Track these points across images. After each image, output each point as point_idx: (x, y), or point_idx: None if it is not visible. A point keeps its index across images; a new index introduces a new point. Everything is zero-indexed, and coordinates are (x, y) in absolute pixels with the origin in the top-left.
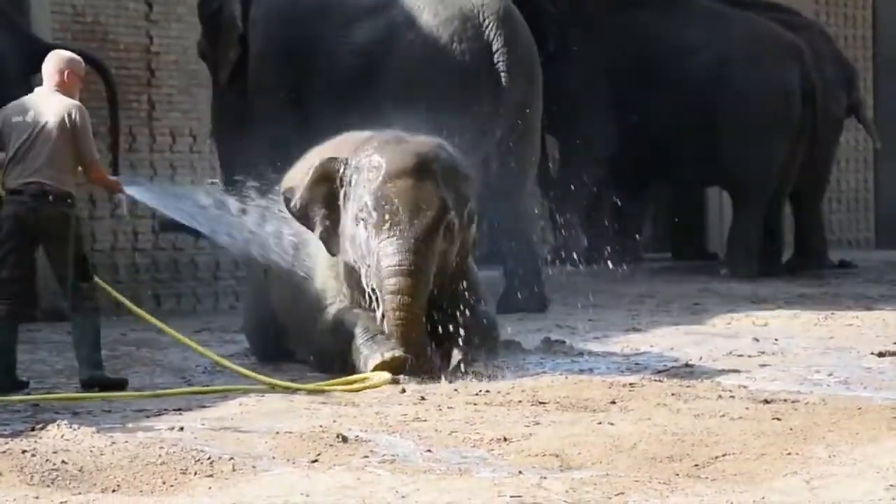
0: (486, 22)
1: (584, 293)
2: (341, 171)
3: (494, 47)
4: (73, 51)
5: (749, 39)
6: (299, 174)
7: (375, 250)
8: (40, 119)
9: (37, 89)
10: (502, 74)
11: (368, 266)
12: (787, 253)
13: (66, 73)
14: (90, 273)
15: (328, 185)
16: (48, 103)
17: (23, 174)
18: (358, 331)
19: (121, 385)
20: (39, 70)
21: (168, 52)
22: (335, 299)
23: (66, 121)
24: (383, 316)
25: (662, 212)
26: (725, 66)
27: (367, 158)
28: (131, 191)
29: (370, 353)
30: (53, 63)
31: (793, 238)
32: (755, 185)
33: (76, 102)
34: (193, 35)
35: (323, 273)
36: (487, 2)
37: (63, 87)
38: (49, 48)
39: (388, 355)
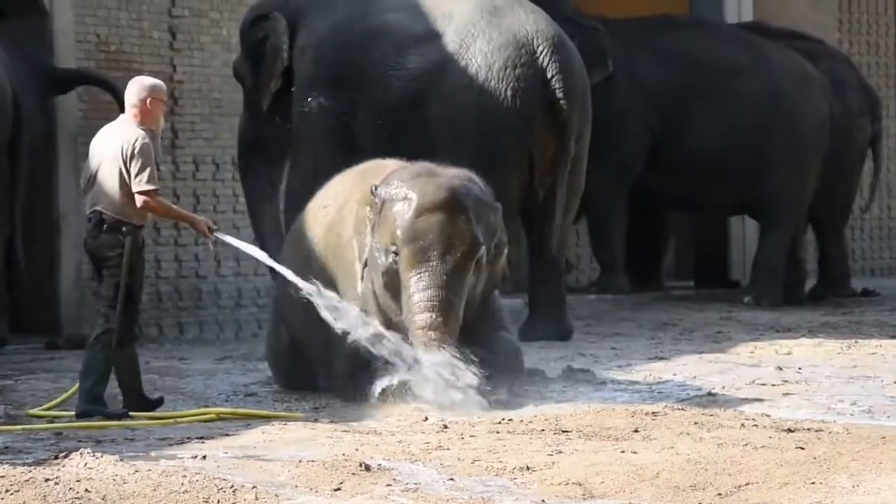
0: (541, 48)
1: (607, 322)
2: (370, 200)
3: (549, 74)
4: (80, 72)
5: (790, 68)
6: (329, 200)
7: (406, 284)
8: (107, 147)
9: (120, 117)
10: (559, 101)
11: (390, 298)
12: (811, 281)
13: (147, 101)
14: (132, 307)
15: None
16: (117, 132)
17: (90, 202)
18: (365, 357)
19: (156, 405)
20: (58, 94)
21: (191, 81)
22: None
23: (123, 149)
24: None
25: (685, 239)
26: (773, 91)
27: (397, 190)
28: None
29: (382, 378)
30: (134, 91)
31: (816, 266)
32: (787, 214)
33: (140, 132)
34: (216, 64)
35: (345, 300)
36: (542, 28)
37: (143, 115)
38: (64, 73)
39: (396, 381)
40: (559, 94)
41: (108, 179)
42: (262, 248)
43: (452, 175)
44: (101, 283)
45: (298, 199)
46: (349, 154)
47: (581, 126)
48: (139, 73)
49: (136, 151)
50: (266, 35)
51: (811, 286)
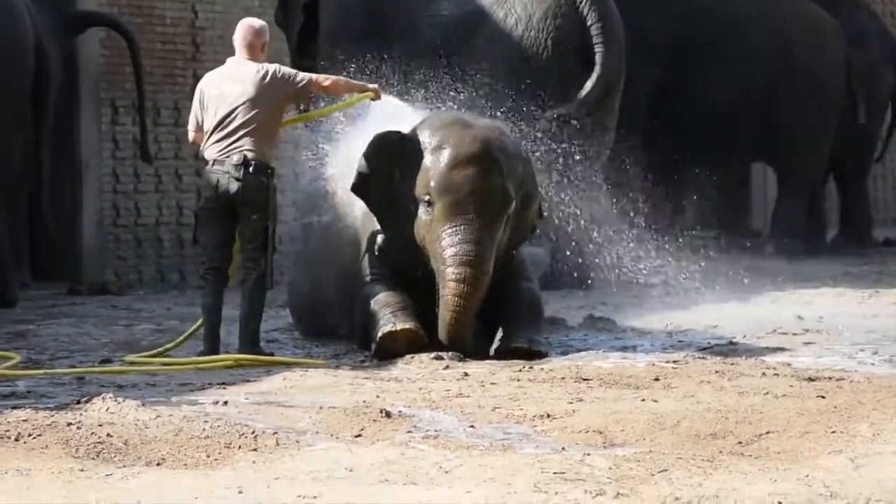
0: (584, 2)
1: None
2: (399, 146)
3: (589, 22)
4: (98, 14)
5: (801, 16)
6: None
7: (440, 236)
8: (238, 89)
9: (229, 60)
10: (597, 49)
11: (421, 246)
12: (832, 231)
13: (255, 45)
14: (274, 247)
15: (386, 160)
16: (243, 72)
17: (223, 144)
18: (380, 303)
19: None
20: (75, 35)
21: (213, 27)
22: (375, 275)
23: (264, 83)
24: (437, 296)
25: (707, 189)
26: (787, 40)
27: (429, 138)
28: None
29: (384, 324)
30: (244, 32)
31: (837, 216)
32: (805, 163)
33: (266, 64)
34: (238, 10)
35: (366, 249)
36: None
37: (255, 56)
38: (83, 15)
39: (399, 326)
40: (598, 41)
41: (252, 121)
42: None
43: (484, 126)
44: (242, 226)
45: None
46: None
47: (617, 75)
48: (161, 19)
49: (279, 68)
50: None
51: (832, 236)
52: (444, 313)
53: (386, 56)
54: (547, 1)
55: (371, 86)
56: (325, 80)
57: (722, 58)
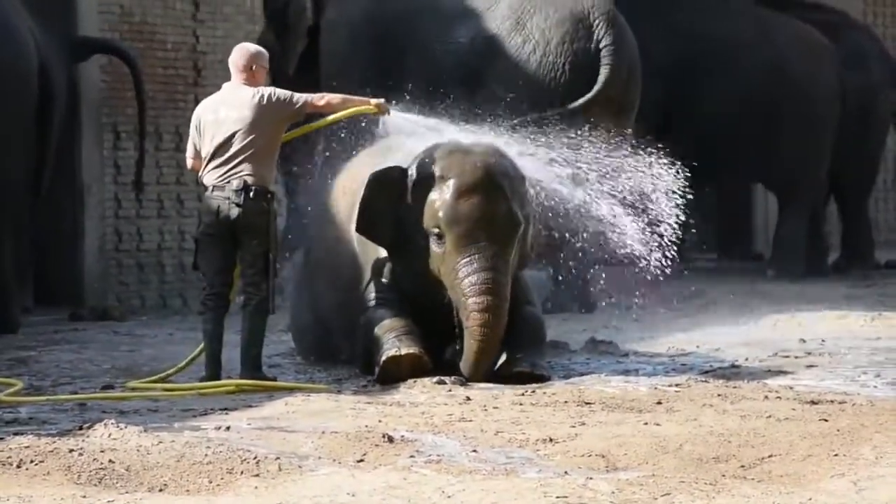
0: (597, 23)
1: (630, 294)
2: (400, 180)
3: (602, 45)
4: (100, 41)
5: (798, 39)
6: (356, 184)
7: (455, 267)
8: (235, 114)
9: (225, 85)
10: (602, 68)
11: (434, 278)
12: (834, 254)
13: (254, 67)
14: (275, 272)
15: (388, 197)
16: (240, 97)
17: (223, 170)
18: (384, 327)
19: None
20: (79, 62)
21: (214, 52)
22: (378, 299)
23: (261, 107)
24: (460, 329)
25: (708, 212)
26: (783, 64)
27: (431, 170)
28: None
29: (389, 348)
30: (240, 57)
31: (839, 239)
32: (803, 185)
33: (262, 88)
34: (240, 34)
35: (370, 274)
36: (597, 2)
37: (252, 81)
38: (86, 41)
39: (403, 351)
40: (606, 62)
41: (251, 145)
42: None
43: (483, 151)
44: (242, 251)
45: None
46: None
47: (627, 98)
48: (162, 44)
49: (275, 94)
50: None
51: (834, 259)
52: (471, 343)
53: (399, 82)
54: (565, 25)
55: (374, 100)
56: (321, 98)
57: (722, 80)
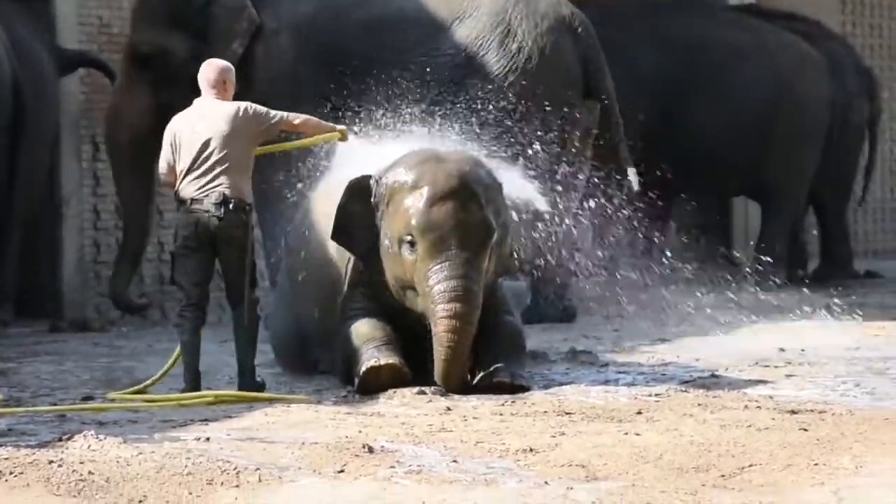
0: (580, 30)
1: (610, 304)
2: (375, 189)
3: (588, 56)
4: (81, 54)
5: (788, 50)
6: (333, 193)
7: (427, 274)
8: (213, 128)
9: (196, 100)
10: (599, 84)
11: (407, 286)
12: (813, 263)
13: (225, 82)
14: (256, 282)
15: (363, 205)
16: (215, 111)
17: (201, 183)
18: (364, 337)
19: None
20: (65, 74)
21: None
22: (357, 309)
23: (237, 120)
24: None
25: (688, 221)
26: (774, 75)
27: (405, 178)
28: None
29: (368, 358)
30: (212, 72)
31: (818, 248)
32: (790, 197)
33: (238, 102)
34: None
35: (348, 285)
36: (573, 10)
37: (223, 95)
38: (72, 54)
39: (383, 361)
40: (597, 75)
41: (229, 158)
42: None
43: (458, 159)
44: (225, 264)
45: (279, 192)
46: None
47: (608, 107)
48: None
49: (252, 108)
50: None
51: (814, 268)
52: (439, 350)
53: (358, 97)
54: (555, 33)
55: (339, 126)
56: (296, 118)
57: (713, 91)
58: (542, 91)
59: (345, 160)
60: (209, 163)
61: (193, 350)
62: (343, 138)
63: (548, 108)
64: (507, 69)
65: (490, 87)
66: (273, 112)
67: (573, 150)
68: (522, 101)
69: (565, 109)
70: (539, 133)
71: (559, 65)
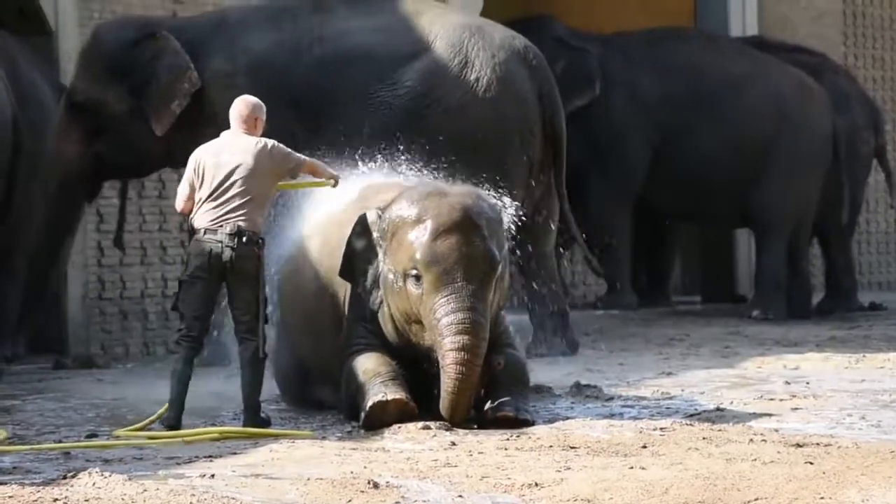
0: (534, 62)
1: (614, 337)
2: (378, 223)
3: (543, 89)
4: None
5: (790, 81)
6: (333, 227)
7: (433, 308)
8: (236, 159)
9: (224, 133)
10: (553, 117)
11: (413, 321)
12: (818, 296)
13: (256, 120)
14: (266, 318)
15: (368, 240)
16: (242, 144)
17: (217, 213)
18: (370, 373)
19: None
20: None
21: None
22: (363, 344)
23: (263, 155)
24: (436, 370)
25: (691, 254)
26: (775, 105)
27: (408, 212)
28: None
29: (375, 394)
30: (245, 108)
31: (823, 280)
32: (783, 224)
33: (264, 138)
34: None
35: (350, 319)
36: (527, 42)
37: (252, 132)
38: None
39: (390, 396)
40: (552, 109)
41: (247, 191)
42: None
43: (461, 192)
44: (234, 298)
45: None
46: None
47: (558, 143)
48: None
49: (277, 147)
50: (155, 55)
51: (818, 300)
52: (447, 382)
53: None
54: (511, 64)
55: (336, 173)
56: (313, 163)
57: (714, 118)
58: (500, 119)
59: (314, 196)
60: (229, 194)
61: (183, 381)
62: (335, 185)
63: (505, 136)
64: (465, 98)
65: (450, 116)
66: (295, 154)
67: (532, 180)
68: (481, 130)
69: (521, 137)
70: (496, 160)
71: (516, 93)
